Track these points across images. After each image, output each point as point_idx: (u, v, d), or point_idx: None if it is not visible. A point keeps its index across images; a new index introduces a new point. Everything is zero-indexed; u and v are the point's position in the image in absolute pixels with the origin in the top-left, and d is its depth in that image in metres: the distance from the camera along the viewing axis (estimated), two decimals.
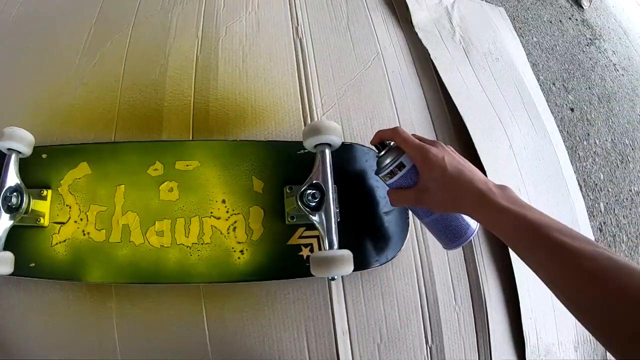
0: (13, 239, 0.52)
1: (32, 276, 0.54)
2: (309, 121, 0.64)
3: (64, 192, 0.57)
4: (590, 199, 0.95)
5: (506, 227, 0.35)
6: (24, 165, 0.56)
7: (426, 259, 0.65)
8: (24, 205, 0.53)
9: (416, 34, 0.81)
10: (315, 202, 0.48)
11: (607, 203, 0.99)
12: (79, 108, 0.67)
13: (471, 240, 0.47)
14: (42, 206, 0.56)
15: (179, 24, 0.72)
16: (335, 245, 0.47)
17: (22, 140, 0.53)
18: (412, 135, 0.45)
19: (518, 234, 0.35)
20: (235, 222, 0.53)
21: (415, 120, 0.71)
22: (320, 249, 0.53)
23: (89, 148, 0.60)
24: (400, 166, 0.44)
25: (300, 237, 0.54)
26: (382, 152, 0.47)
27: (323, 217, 0.47)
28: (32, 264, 0.54)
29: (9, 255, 0.50)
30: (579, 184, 0.93)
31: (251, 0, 0.76)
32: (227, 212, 0.53)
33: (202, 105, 0.63)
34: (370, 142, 0.49)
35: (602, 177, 1.01)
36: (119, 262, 0.54)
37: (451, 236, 0.47)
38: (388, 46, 0.77)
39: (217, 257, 0.53)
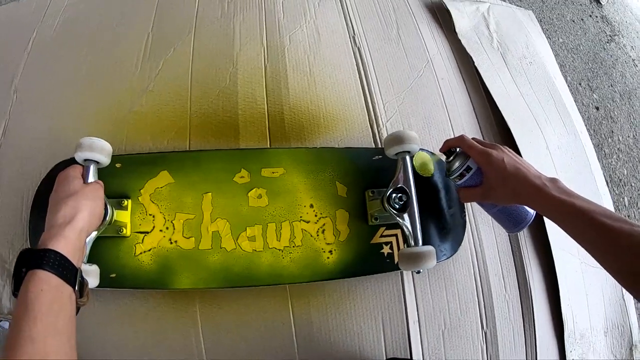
0: (93, 251, 0.54)
1: (112, 286, 0.58)
2: (375, 128, 0.73)
3: (146, 202, 0.62)
4: (616, 193, 1.08)
5: (559, 214, 0.46)
6: (99, 176, 0.57)
7: (480, 252, 0.76)
8: (108, 217, 0.55)
9: (459, 41, 0.91)
10: (400, 204, 0.58)
11: (630, 197, 1.12)
12: (147, 116, 0.74)
13: (529, 224, 0.58)
14: (123, 216, 0.59)
15: (243, 32, 0.80)
16: (420, 242, 0.57)
17: (102, 151, 0.55)
18: (474, 139, 0.55)
19: (569, 219, 0.45)
20: (324, 224, 0.62)
21: (465, 125, 0.81)
22: (399, 246, 0.63)
23: (168, 157, 0.66)
24: (468, 169, 0.55)
25: (382, 236, 0.63)
26: (451, 158, 0.57)
27: (408, 217, 0.57)
28: (113, 275, 0.58)
29: (95, 268, 0.52)
30: (605, 180, 1.06)
31: (308, 9, 0.84)
32: (316, 215, 0.63)
33: (277, 113, 0.72)
34: (440, 150, 0.59)
35: (625, 173, 1.14)
36: (210, 268, 0.60)
37: (514, 222, 0.58)
38: (436, 54, 0.86)
39: (307, 258, 0.61)
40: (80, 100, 0.75)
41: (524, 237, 0.82)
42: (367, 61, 0.79)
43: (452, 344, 0.71)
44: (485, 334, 0.75)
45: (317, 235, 0.62)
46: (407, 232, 0.57)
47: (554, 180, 0.49)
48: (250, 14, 0.83)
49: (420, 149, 0.70)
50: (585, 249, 0.46)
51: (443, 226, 0.68)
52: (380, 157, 0.65)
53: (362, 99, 0.75)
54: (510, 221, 0.59)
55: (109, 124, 0.73)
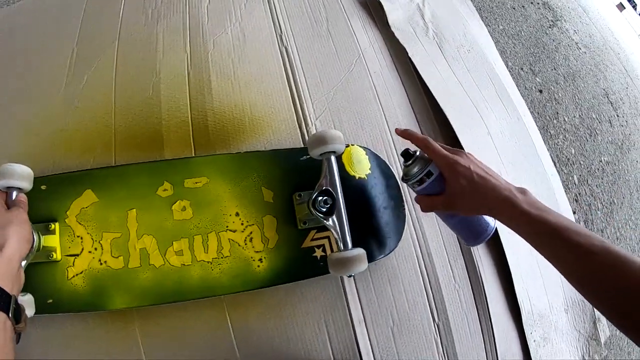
0: (26, 279, 0.51)
1: (51, 312, 0.56)
2: (304, 127, 0.71)
3: (73, 223, 0.59)
4: (564, 173, 1.09)
5: (529, 229, 0.43)
6: None
7: (424, 244, 0.75)
8: (35, 243, 0.53)
9: (392, 33, 0.90)
10: (326, 207, 0.55)
11: (580, 175, 1.14)
12: (73, 132, 0.71)
13: (490, 237, 0.54)
14: (52, 241, 0.57)
15: (166, 39, 0.77)
16: (350, 245, 0.55)
17: (22, 177, 0.53)
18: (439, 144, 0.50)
19: (540, 235, 0.43)
20: (251, 232, 0.60)
21: (400, 117, 0.80)
22: (332, 249, 0.61)
23: (92, 174, 0.63)
24: (429, 174, 0.50)
25: (313, 239, 0.61)
26: (410, 161, 0.52)
27: (336, 220, 0.55)
28: (50, 300, 0.56)
29: (28, 298, 0.52)
30: (552, 160, 1.06)
31: (234, 10, 0.82)
32: (242, 224, 0.60)
33: (201, 120, 0.69)
34: (401, 153, 0.53)
35: (573, 152, 1.16)
36: (142, 286, 0.58)
37: (475, 234, 0.54)
38: (368, 47, 0.85)
39: (238, 267, 0.59)
40: (9, 120, 0.72)
41: None
42: (294, 60, 0.78)
43: (403, 340, 0.69)
44: (438, 326, 0.73)
45: (245, 244, 0.59)
46: (336, 236, 0.55)
47: (523, 191, 0.46)
48: (174, 20, 0.80)
49: (352, 145, 0.69)
50: (553, 264, 0.43)
51: (378, 224, 0.67)
52: (307, 157, 0.63)
53: (289, 99, 0.73)
54: (471, 233, 0.55)
55: (37, 143, 0.70)
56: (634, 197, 1.23)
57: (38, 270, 0.57)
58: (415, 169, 0.51)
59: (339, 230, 0.55)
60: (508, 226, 0.46)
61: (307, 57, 0.79)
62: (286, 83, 0.75)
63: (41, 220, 0.58)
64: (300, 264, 0.61)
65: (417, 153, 0.52)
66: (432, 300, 0.74)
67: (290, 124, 0.71)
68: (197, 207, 0.60)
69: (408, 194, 0.74)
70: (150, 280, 0.58)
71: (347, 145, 0.67)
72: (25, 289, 0.52)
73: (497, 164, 0.89)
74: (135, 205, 0.61)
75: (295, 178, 0.63)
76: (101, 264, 0.58)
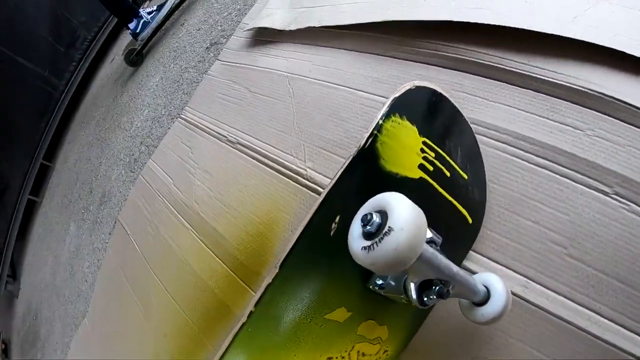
0: None
1: None
2: (301, 179, 0.58)
3: None
4: None
5: None
6: None
7: None
8: None
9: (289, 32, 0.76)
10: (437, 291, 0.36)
11: None
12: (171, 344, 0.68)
13: None
14: None
15: (175, 238, 0.77)
16: (481, 294, 0.38)
17: None
18: None
19: None
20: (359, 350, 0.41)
21: None
22: None
23: None
24: None
25: None
26: None
27: (453, 292, 0.37)
28: None
29: None
30: None
31: (188, 165, 0.78)
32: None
33: (234, 262, 0.63)
34: None
35: None
36: None
37: None
38: (289, 67, 0.73)
39: None
40: None
41: None
42: (253, 147, 0.68)
43: None
44: None
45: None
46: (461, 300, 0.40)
47: None
48: (170, 219, 0.80)
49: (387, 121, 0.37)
50: None
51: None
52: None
53: (277, 176, 0.62)
54: None
55: None
56: None
57: None
58: None
59: (463, 293, 0.36)
60: None
61: (257, 132, 0.69)
62: (264, 168, 0.65)
63: None
64: (421, 313, 0.44)
65: None
66: None
67: (292, 190, 0.59)
68: None
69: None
70: None
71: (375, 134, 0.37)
72: None
73: None
74: None
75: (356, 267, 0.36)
76: None
